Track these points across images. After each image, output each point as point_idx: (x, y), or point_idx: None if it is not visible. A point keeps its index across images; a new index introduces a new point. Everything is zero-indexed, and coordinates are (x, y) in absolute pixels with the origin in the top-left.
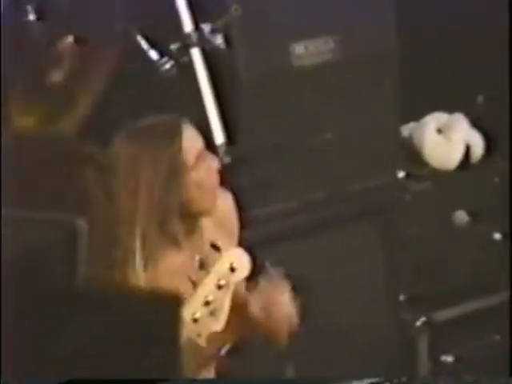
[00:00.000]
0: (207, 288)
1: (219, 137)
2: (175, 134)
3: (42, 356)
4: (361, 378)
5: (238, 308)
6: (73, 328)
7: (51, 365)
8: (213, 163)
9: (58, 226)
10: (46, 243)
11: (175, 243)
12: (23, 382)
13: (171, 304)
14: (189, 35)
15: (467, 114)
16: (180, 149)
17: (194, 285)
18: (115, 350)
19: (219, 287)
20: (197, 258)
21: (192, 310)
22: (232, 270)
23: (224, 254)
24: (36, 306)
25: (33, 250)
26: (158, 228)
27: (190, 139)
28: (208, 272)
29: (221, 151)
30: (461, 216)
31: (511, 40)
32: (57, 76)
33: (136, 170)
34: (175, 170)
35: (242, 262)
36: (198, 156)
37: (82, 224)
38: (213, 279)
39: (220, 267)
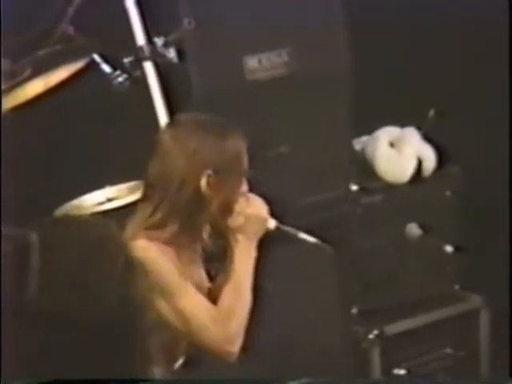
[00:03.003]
0: None
1: None
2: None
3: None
4: None
5: None
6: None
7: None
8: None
9: (9, 239)
10: None
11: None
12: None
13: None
14: (141, 49)
15: (419, 128)
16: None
17: None
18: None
19: None
20: None
21: None
22: None
23: None
24: None
25: None
26: None
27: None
28: None
29: None
30: (413, 229)
31: (464, 52)
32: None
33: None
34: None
35: None
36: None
37: (34, 237)
38: None
39: None
